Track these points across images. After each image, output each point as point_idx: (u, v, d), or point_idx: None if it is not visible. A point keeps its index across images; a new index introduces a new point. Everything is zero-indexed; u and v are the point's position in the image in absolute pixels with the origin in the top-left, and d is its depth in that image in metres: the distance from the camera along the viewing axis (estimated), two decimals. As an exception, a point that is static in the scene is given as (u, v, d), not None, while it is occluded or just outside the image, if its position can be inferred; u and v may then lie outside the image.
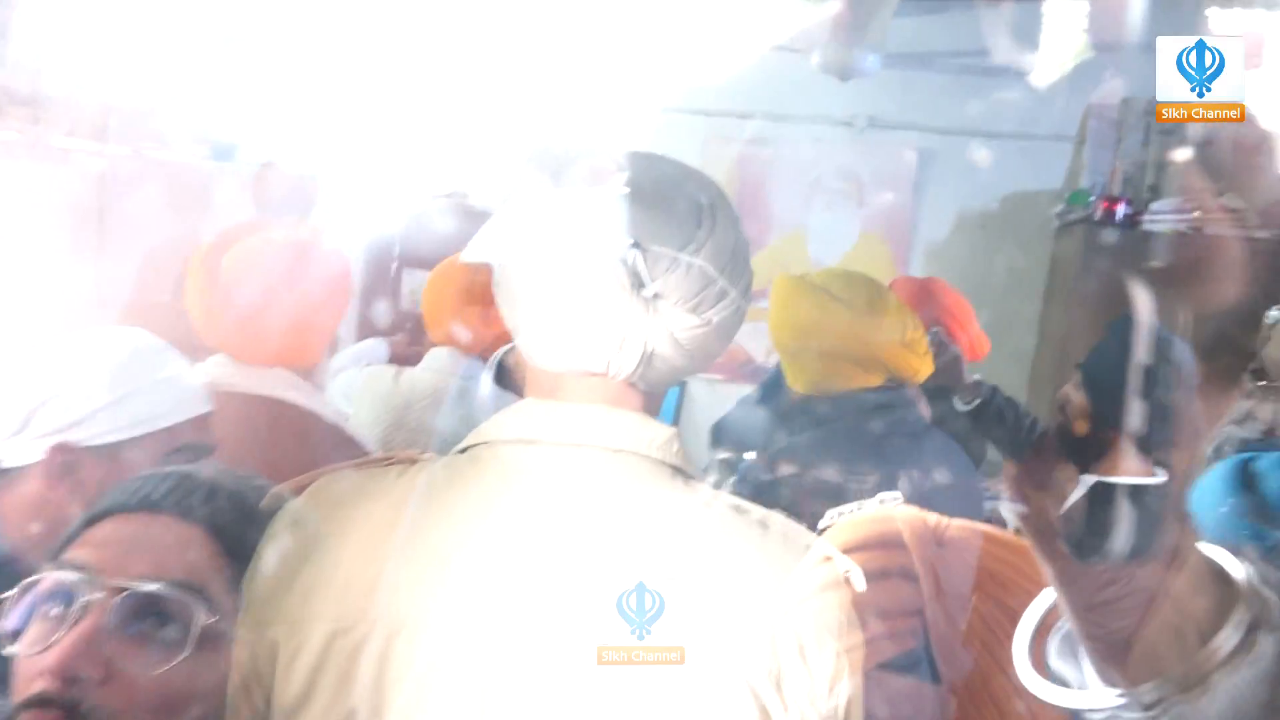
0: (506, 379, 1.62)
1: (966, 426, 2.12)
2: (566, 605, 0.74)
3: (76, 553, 0.76)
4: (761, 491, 1.53)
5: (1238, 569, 0.54)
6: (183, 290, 1.41)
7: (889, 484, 1.51)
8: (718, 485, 0.85)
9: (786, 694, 0.71)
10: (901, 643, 0.72)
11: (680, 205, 0.79)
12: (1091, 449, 0.58)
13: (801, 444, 1.57)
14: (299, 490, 0.84)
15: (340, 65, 2.89)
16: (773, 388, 1.78)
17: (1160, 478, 0.54)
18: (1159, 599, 0.53)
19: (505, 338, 1.91)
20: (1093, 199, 2.81)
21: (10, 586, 0.74)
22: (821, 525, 1.46)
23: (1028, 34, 2.96)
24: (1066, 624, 0.58)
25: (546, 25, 3.05)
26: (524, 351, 0.84)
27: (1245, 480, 1.21)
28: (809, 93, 3.31)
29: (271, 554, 0.79)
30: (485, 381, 1.62)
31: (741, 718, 0.71)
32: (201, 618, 0.75)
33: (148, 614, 0.74)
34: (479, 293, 1.80)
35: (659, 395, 0.84)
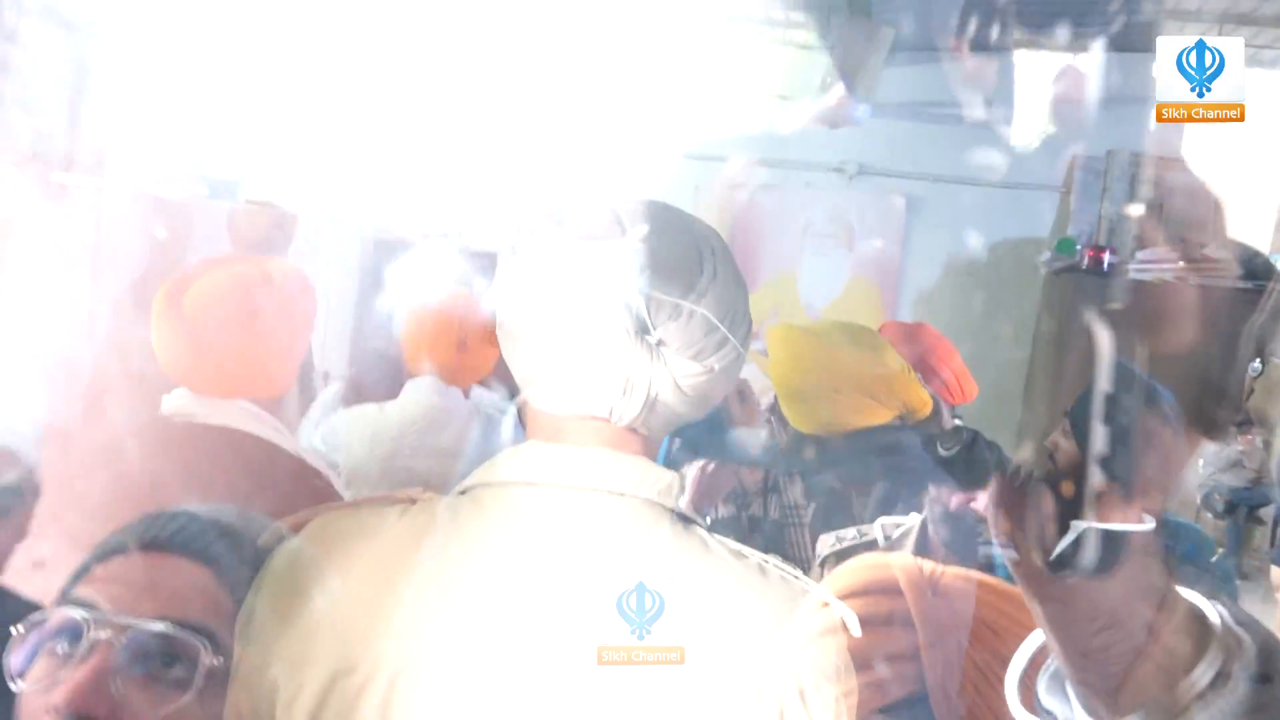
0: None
1: (950, 472, 2.14)
2: (567, 649, 0.74)
3: (84, 590, 0.76)
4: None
5: (1212, 611, 0.57)
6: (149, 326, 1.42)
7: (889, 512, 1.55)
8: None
9: None
10: (900, 688, 0.73)
11: (683, 252, 0.80)
12: (1081, 496, 0.59)
13: (812, 481, 1.62)
14: (297, 528, 0.84)
15: (330, 101, 2.92)
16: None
17: (1149, 524, 0.56)
18: (1148, 643, 0.56)
19: (483, 369, 1.95)
20: (1079, 247, 2.86)
21: None
22: (820, 551, 1.49)
23: (1004, 90, 3.03)
24: (1055, 662, 0.60)
25: (540, 70, 3.09)
26: (526, 394, 0.84)
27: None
28: (801, 140, 3.37)
29: (269, 593, 0.79)
30: (507, 425, 1.64)
31: None
32: (207, 658, 0.74)
33: (154, 653, 0.74)
34: (458, 325, 1.87)
35: (658, 439, 0.85)
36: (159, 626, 0.74)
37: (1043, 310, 3.22)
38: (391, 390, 2.01)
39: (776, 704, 0.72)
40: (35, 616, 0.75)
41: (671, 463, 1.58)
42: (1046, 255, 3.10)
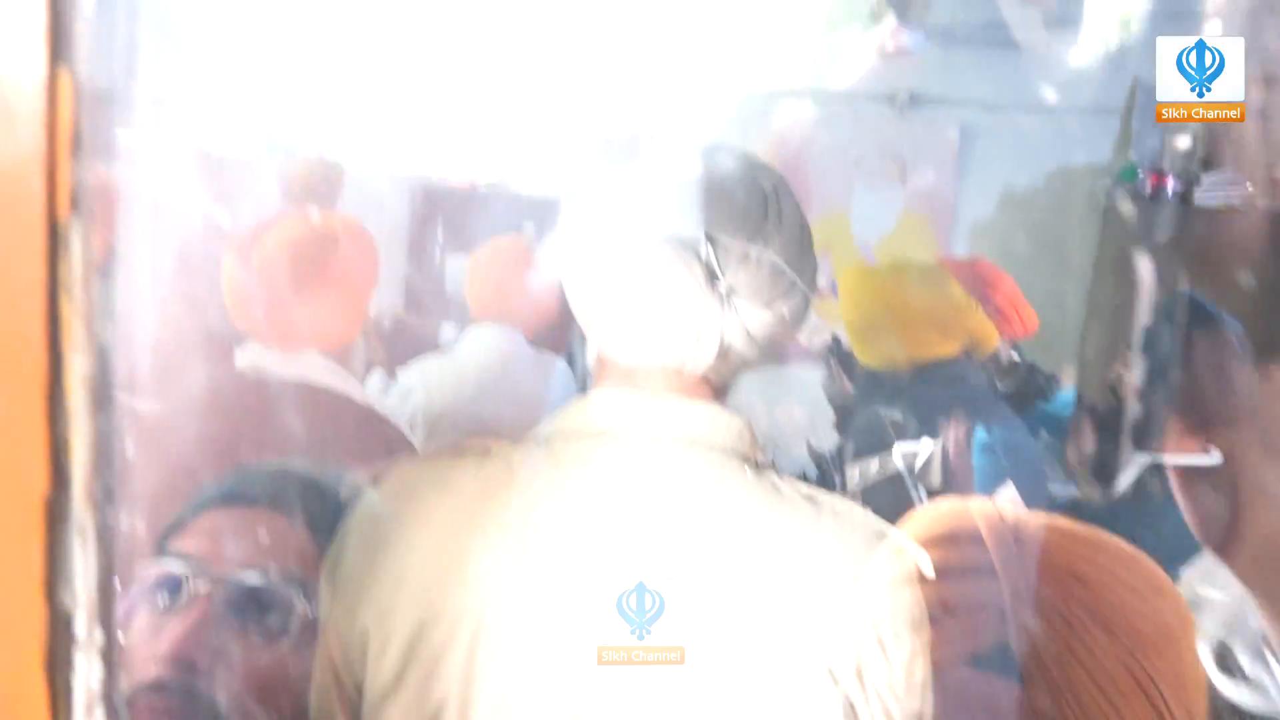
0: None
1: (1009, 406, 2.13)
2: (650, 601, 0.75)
3: (180, 544, 0.79)
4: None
5: None
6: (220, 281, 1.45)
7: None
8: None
9: (868, 685, 0.72)
10: (984, 638, 0.73)
11: (747, 196, 0.80)
12: (1145, 428, 0.58)
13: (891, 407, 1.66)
14: (375, 481, 0.86)
15: (377, 51, 2.90)
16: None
17: (1215, 458, 0.54)
18: None
19: (548, 315, 1.97)
20: (1141, 174, 2.76)
21: None
22: (849, 489, 1.54)
23: (1063, 9, 2.92)
24: (1252, 628, 0.57)
25: (587, 7, 3.04)
26: (596, 344, 0.85)
27: None
28: (850, 71, 3.28)
29: (354, 544, 0.82)
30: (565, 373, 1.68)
31: (826, 708, 0.72)
32: (301, 607, 0.77)
33: (250, 604, 0.77)
34: (522, 270, 1.91)
35: (729, 385, 0.85)
36: (254, 577, 0.77)
37: (1103, 240, 3.14)
38: (451, 338, 2.04)
39: (854, 653, 0.73)
40: (135, 571, 0.78)
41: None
42: (1107, 183, 3.00)
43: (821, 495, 0.79)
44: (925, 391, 1.64)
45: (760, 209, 0.79)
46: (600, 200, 0.83)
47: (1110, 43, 2.89)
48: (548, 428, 0.84)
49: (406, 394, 1.84)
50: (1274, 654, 0.55)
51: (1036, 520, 0.76)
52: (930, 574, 0.75)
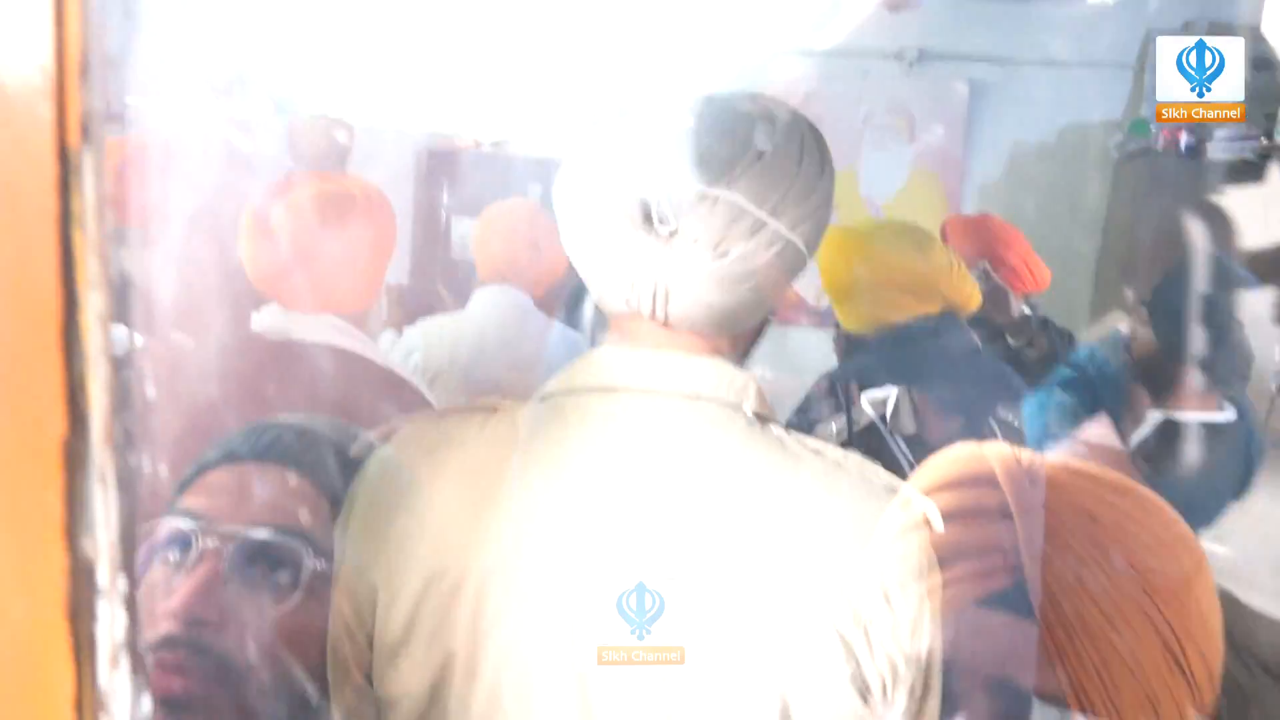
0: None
1: (1024, 364, 2.12)
2: (649, 554, 0.75)
3: (190, 501, 0.80)
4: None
5: None
6: (238, 244, 1.45)
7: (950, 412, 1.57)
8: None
9: (873, 637, 0.73)
10: (997, 580, 0.73)
11: (719, 139, 0.77)
12: (1159, 384, 0.58)
13: (853, 369, 1.66)
14: (385, 438, 0.87)
15: (381, 11, 2.87)
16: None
17: (1229, 414, 0.54)
18: None
19: (555, 272, 1.97)
20: (1154, 128, 2.73)
21: None
22: (865, 415, 1.55)
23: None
24: None
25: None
26: (592, 298, 0.86)
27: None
28: (857, 26, 3.24)
29: (365, 500, 0.82)
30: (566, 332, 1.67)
31: (829, 661, 0.73)
32: (310, 562, 0.78)
33: (259, 560, 0.78)
34: (528, 229, 1.92)
35: (743, 340, 0.85)
36: (263, 533, 0.78)
37: (1115, 196, 3.11)
38: (459, 301, 2.04)
39: (861, 610, 0.73)
40: (146, 527, 0.79)
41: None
42: (1119, 138, 2.97)
43: (826, 448, 0.79)
44: (898, 353, 1.64)
45: (738, 151, 0.77)
46: (584, 156, 0.83)
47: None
48: (552, 385, 0.84)
49: (408, 353, 1.85)
50: None
51: (1053, 462, 0.76)
52: (939, 527, 0.75)
